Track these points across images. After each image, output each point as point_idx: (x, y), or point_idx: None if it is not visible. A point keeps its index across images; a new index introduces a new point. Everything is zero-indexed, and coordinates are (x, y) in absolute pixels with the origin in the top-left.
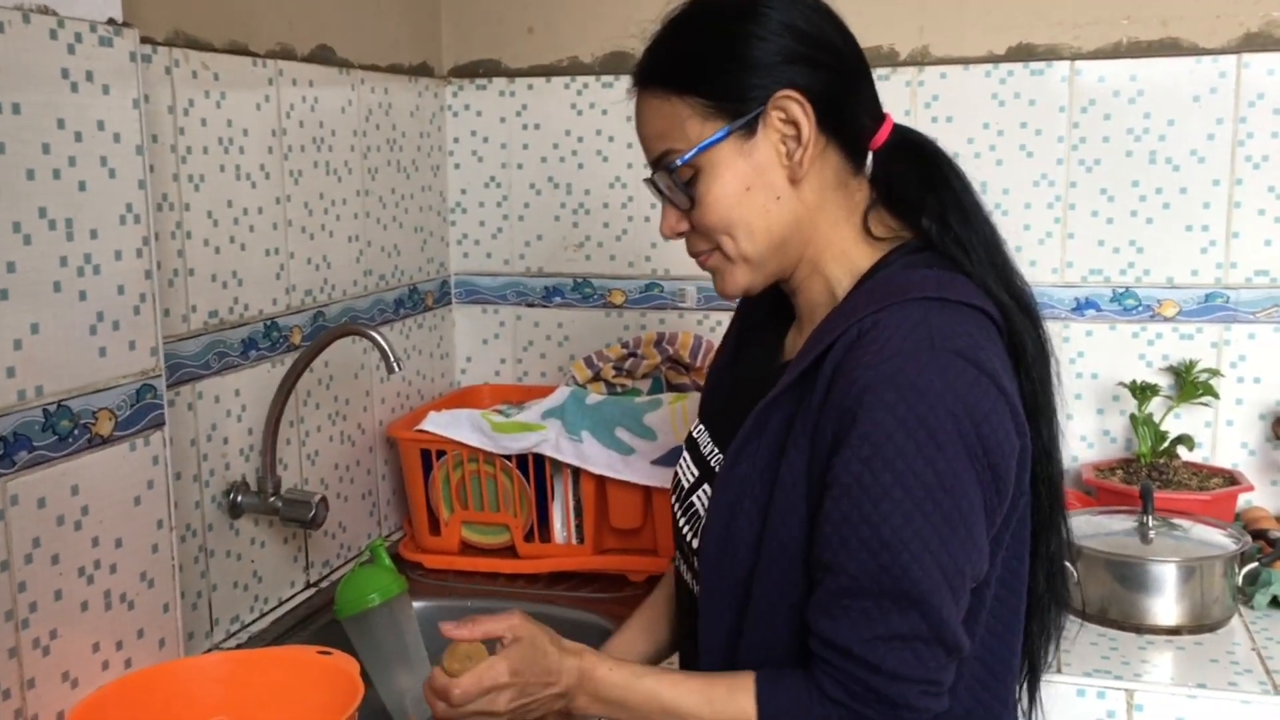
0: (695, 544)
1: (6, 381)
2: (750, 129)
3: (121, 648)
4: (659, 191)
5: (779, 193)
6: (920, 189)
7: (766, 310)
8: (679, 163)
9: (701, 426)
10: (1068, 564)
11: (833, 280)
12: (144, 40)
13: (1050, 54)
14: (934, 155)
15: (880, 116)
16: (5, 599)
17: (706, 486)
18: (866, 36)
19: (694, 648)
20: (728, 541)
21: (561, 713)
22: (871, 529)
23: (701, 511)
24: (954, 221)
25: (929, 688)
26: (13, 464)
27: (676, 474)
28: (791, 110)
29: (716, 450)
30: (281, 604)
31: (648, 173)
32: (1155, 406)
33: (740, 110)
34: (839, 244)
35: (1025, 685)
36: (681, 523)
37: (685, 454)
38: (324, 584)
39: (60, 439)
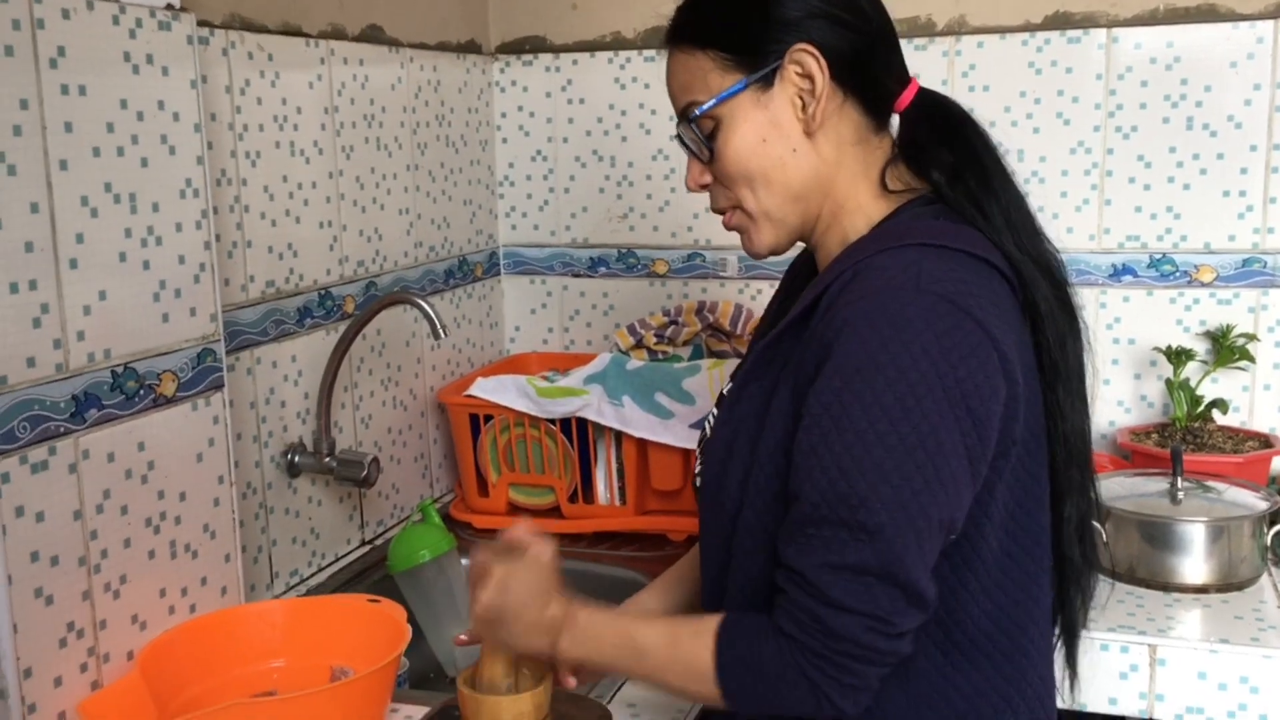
0: (699, 482)
1: (77, 344)
2: (767, 82)
3: (186, 594)
4: (685, 145)
5: (795, 145)
6: (936, 144)
7: (806, 278)
8: (699, 113)
9: (731, 385)
10: (1096, 524)
11: (849, 234)
12: (202, 23)
13: (1087, 22)
14: (957, 115)
15: (906, 79)
16: (78, 546)
17: None
18: (903, 7)
19: None
20: (722, 478)
21: (542, 655)
22: (834, 457)
23: None
24: (969, 178)
25: (875, 624)
26: (84, 421)
27: (702, 429)
28: (806, 64)
29: None
30: (338, 559)
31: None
32: (1192, 371)
33: (758, 64)
34: (856, 198)
35: (1064, 651)
36: (697, 470)
37: (713, 410)
38: (378, 541)
39: (127, 398)
